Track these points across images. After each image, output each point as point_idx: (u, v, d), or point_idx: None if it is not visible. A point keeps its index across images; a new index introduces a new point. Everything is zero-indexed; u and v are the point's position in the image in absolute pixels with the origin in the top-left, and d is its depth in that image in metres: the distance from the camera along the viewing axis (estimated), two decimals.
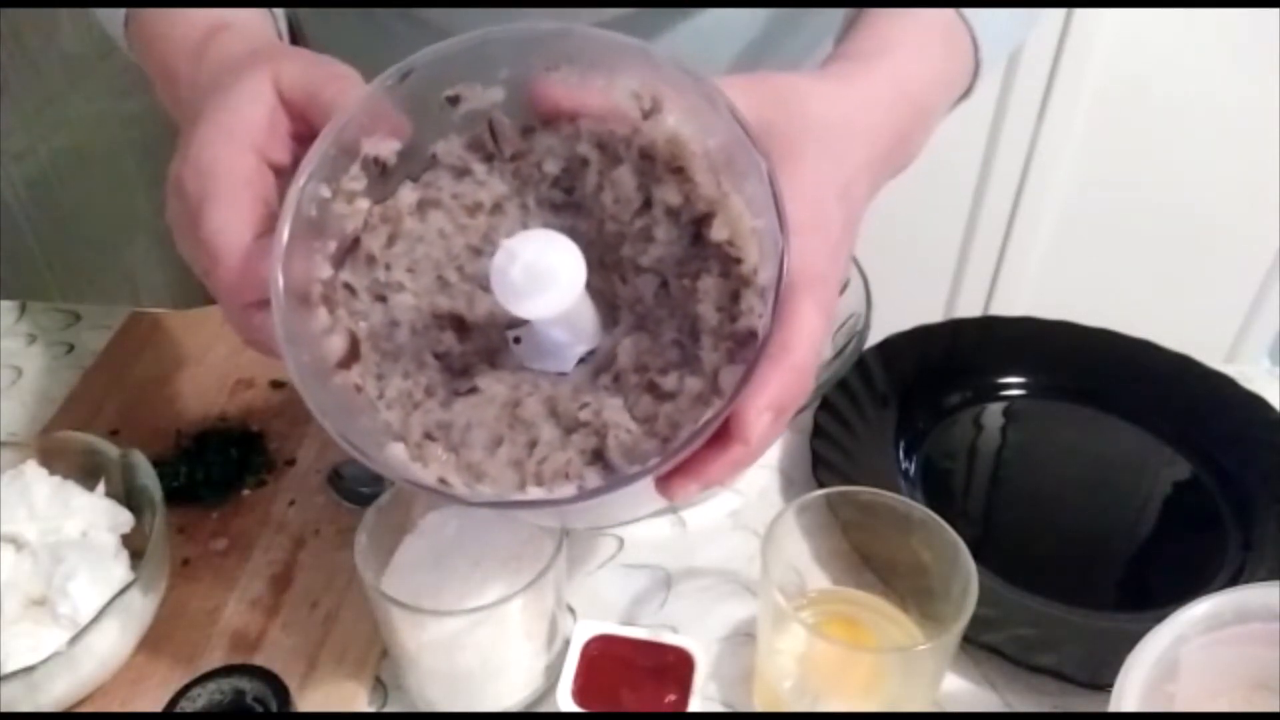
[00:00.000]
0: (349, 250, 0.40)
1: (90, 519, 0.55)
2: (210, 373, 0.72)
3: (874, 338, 0.69)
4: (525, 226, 0.41)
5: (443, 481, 0.39)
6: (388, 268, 0.41)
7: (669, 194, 0.39)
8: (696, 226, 0.39)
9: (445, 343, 0.41)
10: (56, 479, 0.57)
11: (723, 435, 0.37)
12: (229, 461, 0.64)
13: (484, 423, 0.40)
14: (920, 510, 0.50)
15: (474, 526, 0.53)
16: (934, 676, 0.49)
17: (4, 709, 0.48)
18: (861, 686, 0.48)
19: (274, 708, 0.47)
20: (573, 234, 0.39)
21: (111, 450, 0.58)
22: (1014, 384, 0.71)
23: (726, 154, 0.38)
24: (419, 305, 0.41)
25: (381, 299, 0.41)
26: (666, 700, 0.50)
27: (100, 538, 0.55)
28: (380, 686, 0.54)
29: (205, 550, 0.60)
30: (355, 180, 0.40)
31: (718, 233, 0.38)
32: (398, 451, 0.39)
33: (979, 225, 1.44)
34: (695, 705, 0.49)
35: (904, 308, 0.71)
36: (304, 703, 0.51)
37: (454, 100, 0.40)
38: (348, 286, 0.40)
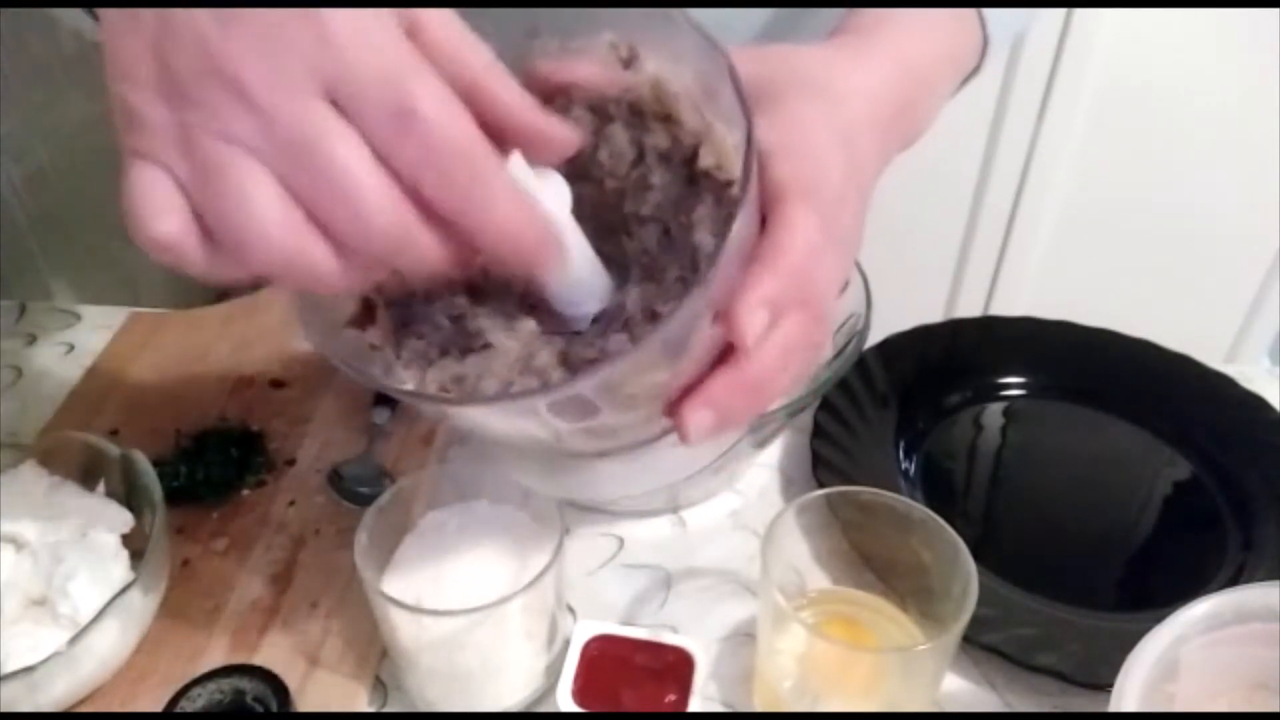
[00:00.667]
0: None
1: (90, 519, 0.55)
2: (210, 373, 0.72)
3: (874, 338, 0.69)
4: None
5: (443, 389, 0.38)
6: None
7: (658, 140, 0.40)
8: (688, 166, 0.40)
9: (459, 306, 0.41)
10: (56, 479, 0.57)
11: (727, 353, 0.36)
12: (229, 461, 0.64)
13: (497, 373, 0.39)
14: (920, 510, 0.50)
15: (474, 526, 0.53)
16: (934, 676, 0.49)
17: (4, 709, 0.48)
18: (861, 686, 0.48)
19: (274, 708, 0.47)
20: (578, 202, 0.39)
21: (111, 450, 0.58)
22: (1014, 384, 0.71)
23: (703, 83, 0.38)
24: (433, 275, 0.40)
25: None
26: (666, 700, 0.50)
27: (100, 538, 0.55)
28: (380, 686, 0.54)
29: (205, 550, 0.60)
30: None
31: (704, 160, 0.38)
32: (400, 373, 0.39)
33: (979, 225, 1.44)
34: (695, 705, 0.49)
35: (904, 308, 0.71)
36: (304, 703, 0.51)
37: None
38: None
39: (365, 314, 0.40)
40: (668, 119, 0.40)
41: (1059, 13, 1.25)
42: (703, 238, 0.38)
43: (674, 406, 0.36)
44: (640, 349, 0.35)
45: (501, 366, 0.40)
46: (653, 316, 0.38)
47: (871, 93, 0.43)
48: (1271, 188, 1.32)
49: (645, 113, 0.40)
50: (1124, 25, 1.25)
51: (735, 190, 0.37)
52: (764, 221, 0.38)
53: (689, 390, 0.36)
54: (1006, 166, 1.38)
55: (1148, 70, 1.28)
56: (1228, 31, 1.24)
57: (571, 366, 0.39)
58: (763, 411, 0.40)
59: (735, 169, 0.38)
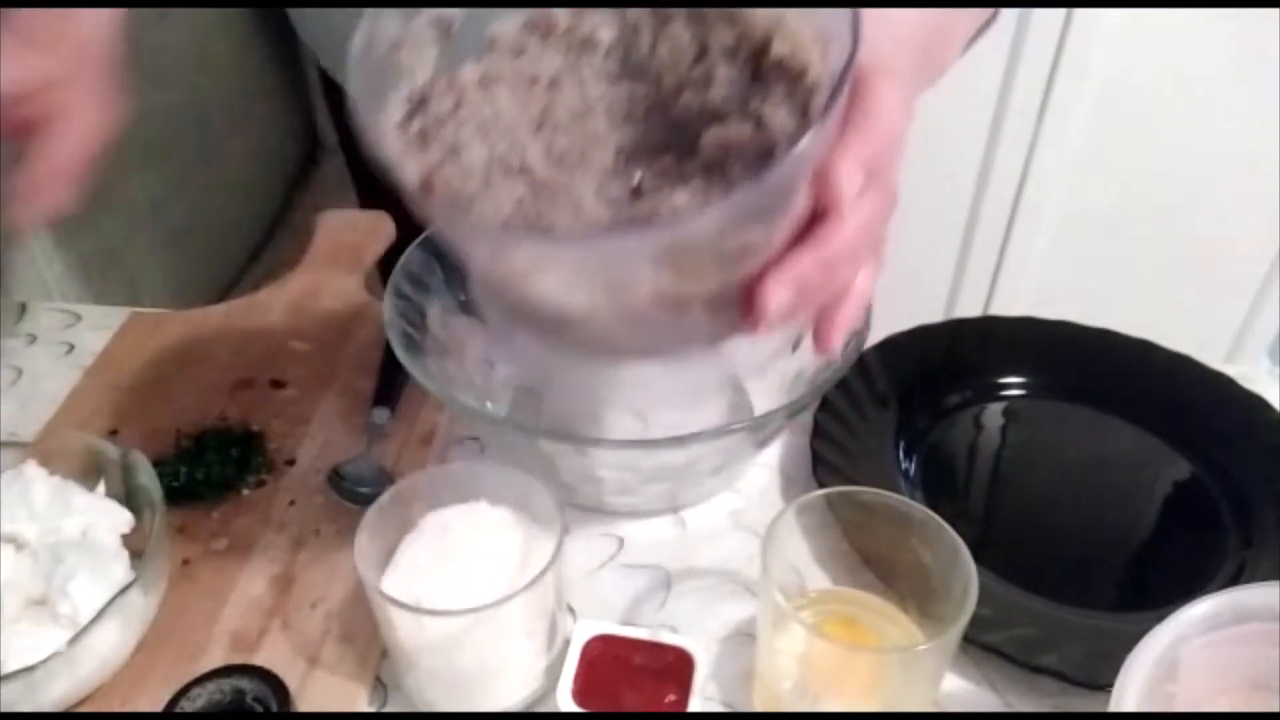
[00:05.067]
0: (418, 107, 0.41)
1: (90, 519, 0.55)
2: (210, 373, 0.72)
3: (874, 338, 0.69)
4: (583, 100, 0.42)
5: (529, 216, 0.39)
6: (457, 129, 0.41)
7: (723, 36, 0.41)
8: (755, 61, 0.40)
9: (518, 191, 0.41)
10: (56, 479, 0.57)
11: (806, 232, 0.37)
12: (229, 461, 0.63)
13: (583, 205, 0.40)
14: (920, 510, 0.50)
15: (474, 526, 0.53)
16: (934, 676, 0.49)
17: (4, 709, 0.48)
18: (861, 686, 0.48)
19: (274, 708, 0.47)
20: (630, 100, 0.41)
21: (111, 450, 0.58)
22: (1014, 384, 0.71)
23: None
24: (490, 160, 0.41)
25: (453, 153, 0.40)
26: (666, 700, 0.50)
27: (100, 538, 0.55)
28: (380, 686, 0.54)
29: (205, 550, 0.60)
30: (423, 33, 0.41)
31: (778, 48, 0.39)
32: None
33: (979, 225, 1.44)
34: (695, 705, 0.49)
35: (904, 308, 0.71)
36: (304, 703, 0.51)
37: None
38: (422, 134, 0.41)
39: (425, 188, 0.40)
40: (731, 18, 0.40)
41: (1059, 13, 1.25)
42: (780, 119, 0.38)
43: (756, 284, 0.37)
44: (760, 184, 0.35)
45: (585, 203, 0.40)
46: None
47: (894, 23, 0.44)
48: (1271, 188, 1.32)
49: (707, 13, 0.41)
50: (1124, 25, 1.25)
51: (815, 73, 0.38)
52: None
53: (770, 267, 0.37)
54: (1006, 166, 1.38)
55: (1147, 70, 1.28)
56: (1228, 32, 1.24)
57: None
58: (831, 300, 0.41)
59: (810, 57, 0.38)
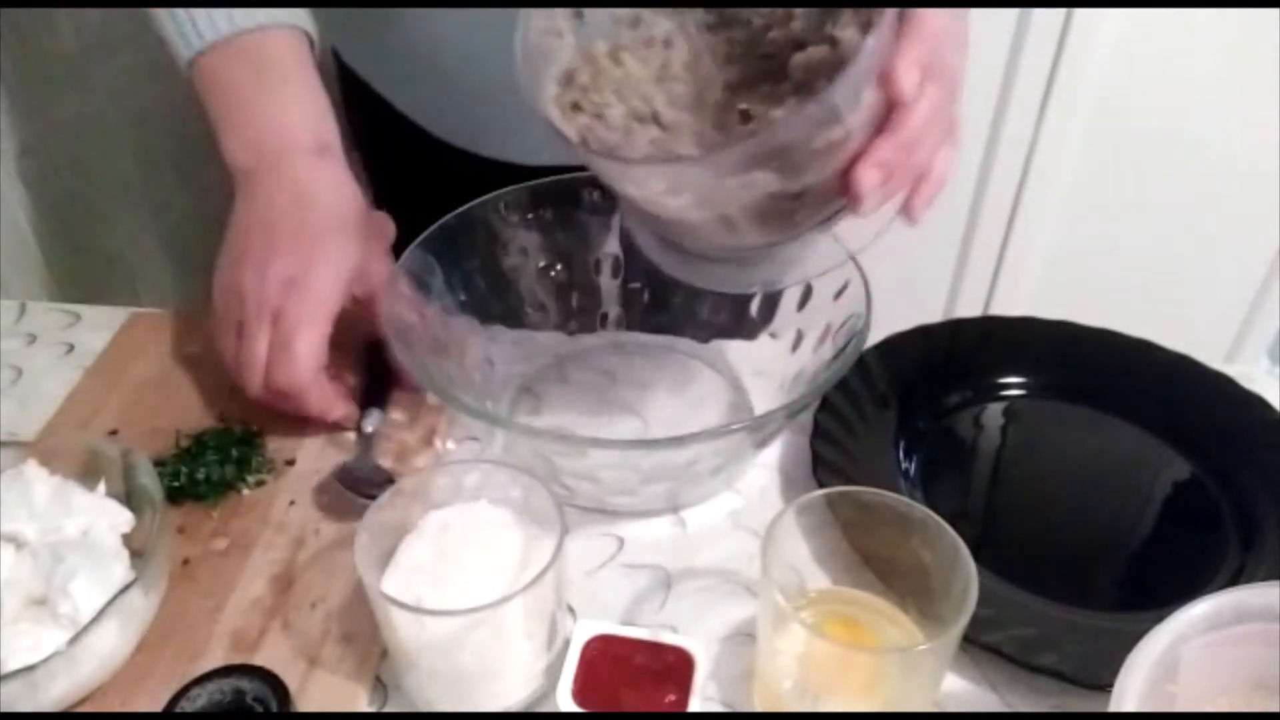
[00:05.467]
0: (568, 82, 0.51)
1: (90, 519, 0.55)
2: (210, 373, 0.71)
3: (874, 338, 0.69)
4: (692, 52, 0.52)
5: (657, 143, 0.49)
6: (598, 93, 0.51)
7: None
8: None
9: (652, 134, 0.50)
10: (56, 479, 0.57)
11: (883, 124, 0.46)
12: (229, 461, 0.63)
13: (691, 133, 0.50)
14: (920, 510, 0.50)
15: (474, 526, 0.53)
16: (934, 676, 0.49)
17: (4, 709, 0.48)
18: (861, 686, 0.48)
19: (274, 708, 0.47)
20: (729, 44, 0.51)
21: (111, 450, 0.58)
22: (1014, 384, 0.71)
23: None
24: (628, 113, 0.50)
25: (599, 116, 0.50)
26: (666, 700, 0.50)
27: (100, 538, 0.55)
28: (380, 686, 0.54)
29: (205, 550, 0.60)
30: (562, 23, 0.52)
31: None
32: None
33: (979, 225, 1.44)
34: (695, 705, 0.49)
35: (904, 308, 0.71)
36: (304, 703, 0.51)
37: None
38: (575, 105, 0.50)
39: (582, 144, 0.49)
40: None
41: (1059, 13, 1.25)
42: (849, 36, 0.46)
43: (849, 171, 0.46)
44: (833, 87, 0.42)
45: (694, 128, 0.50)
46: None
47: None
48: (1271, 188, 1.32)
49: None
50: (1124, 25, 1.25)
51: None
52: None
53: (858, 156, 0.46)
54: (1006, 167, 1.38)
55: (1147, 70, 1.28)
56: (1228, 32, 1.24)
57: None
58: (916, 175, 0.49)
59: None
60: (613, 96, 0.50)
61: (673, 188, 0.48)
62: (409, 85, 0.83)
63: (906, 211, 0.52)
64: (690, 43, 0.52)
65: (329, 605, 0.57)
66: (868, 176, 0.46)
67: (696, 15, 0.52)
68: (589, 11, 0.52)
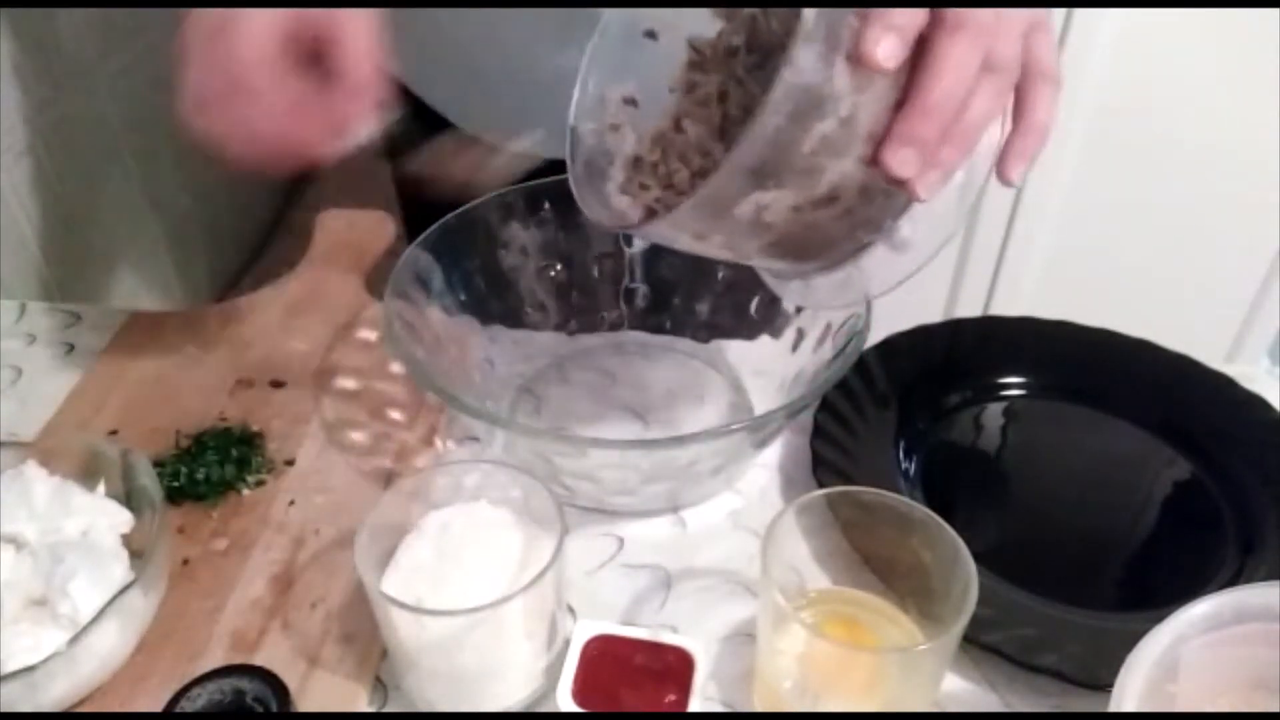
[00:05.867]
0: (635, 163, 0.52)
1: (90, 519, 0.55)
2: (210, 373, 0.72)
3: (874, 338, 0.69)
4: (746, 98, 0.49)
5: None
6: (665, 164, 0.51)
7: None
8: None
9: None
10: (56, 479, 0.57)
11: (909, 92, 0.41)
12: (229, 461, 0.64)
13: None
14: (920, 510, 0.50)
15: (474, 526, 0.53)
16: (934, 676, 0.49)
17: (4, 709, 0.48)
18: (861, 686, 0.48)
19: (274, 708, 0.47)
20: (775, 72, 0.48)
21: (111, 450, 0.58)
22: (1014, 384, 0.71)
23: None
24: (693, 175, 0.50)
25: (669, 185, 0.50)
26: (666, 700, 0.50)
27: (100, 538, 0.55)
28: (380, 686, 0.54)
29: (205, 550, 0.60)
30: (616, 117, 0.53)
31: None
32: None
33: (979, 225, 1.44)
34: (695, 705, 0.49)
35: (904, 308, 0.71)
36: (304, 703, 0.51)
37: (651, 34, 0.52)
38: (643, 186, 0.51)
39: (649, 217, 0.49)
40: None
41: (1059, 13, 1.25)
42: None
43: (875, 157, 0.42)
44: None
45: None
46: None
47: None
48: (1271, 188, 1.32)
49: None
50: (1124, 25, 1.25)
51: None
52: None
53: (891, 130, 0.41)
54: None
55: (1148, 70, 1.28)
56: (1228, 31, 1.24)
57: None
58: (957, 142, 0.43)
59: None
60: (679, 163, 0.50)
61: (696, 234, 0.47)
62: (442, 79, 0.80)
63: (1000, 172, 0.46)
64: (742, 90, 0.50)
65: (329, 605, 0.57)
66: (895, 156, 0.41)
67: (741, 60, 0.50)
68: (642, 92, 0.52)
